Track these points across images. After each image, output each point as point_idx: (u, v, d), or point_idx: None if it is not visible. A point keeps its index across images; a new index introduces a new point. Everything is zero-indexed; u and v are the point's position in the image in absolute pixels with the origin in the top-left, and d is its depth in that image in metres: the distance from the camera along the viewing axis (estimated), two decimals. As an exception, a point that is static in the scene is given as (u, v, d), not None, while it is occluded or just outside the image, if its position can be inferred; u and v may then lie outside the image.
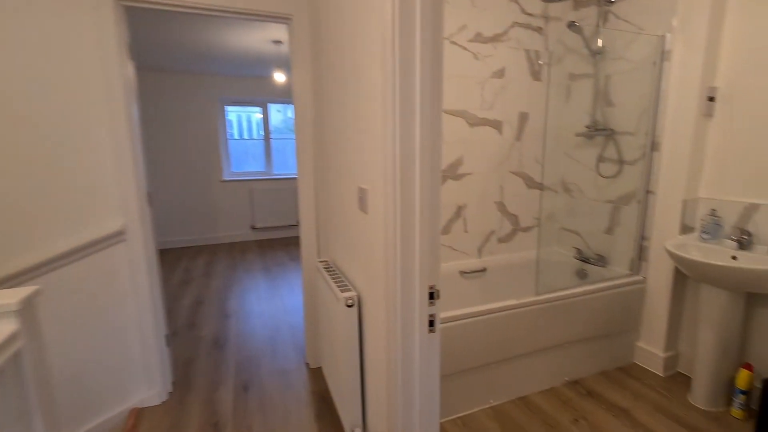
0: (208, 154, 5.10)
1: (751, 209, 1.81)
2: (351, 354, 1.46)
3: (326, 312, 1.71)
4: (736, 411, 1.80)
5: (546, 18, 2.45)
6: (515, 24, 2.37)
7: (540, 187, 2.66)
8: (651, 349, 2.18)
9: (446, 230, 2.43)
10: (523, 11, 2.38)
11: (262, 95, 5.26)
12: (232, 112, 5.37)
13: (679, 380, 2.10)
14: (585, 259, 2.50)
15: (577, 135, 2.51)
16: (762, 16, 1.73)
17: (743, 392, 1.77)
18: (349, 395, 1.51)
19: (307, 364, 2.33)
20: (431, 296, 1.12)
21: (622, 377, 2.14)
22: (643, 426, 1.77)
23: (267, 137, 5.49)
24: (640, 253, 2.19)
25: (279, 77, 3.85)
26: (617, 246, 2.34)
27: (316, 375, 2.23)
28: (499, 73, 2.39)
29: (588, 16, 2.37)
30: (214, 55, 4.01)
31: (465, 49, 2.27)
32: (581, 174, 2.55)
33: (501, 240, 2.61)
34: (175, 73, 4.79)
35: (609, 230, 2.39)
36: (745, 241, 1.78)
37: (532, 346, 1.94)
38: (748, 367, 1.78)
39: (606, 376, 2.15)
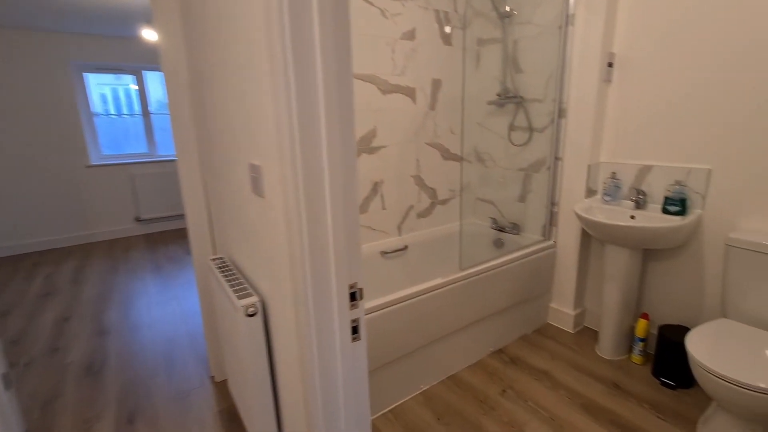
0: (65, 133, 4.10)
1: (645, 170, 1.93)
2: (258, 370, 1.19)
3: (225, 321, 1.40)
4: (636, 357, 1.97)
5: (454, -24, 2.30)
6: (423, -20, 2.18)
7: (456, 158, 2.58)
8: (562, 309, 2.29)
9: (363, 209, 2.22)
10: (431, -34, 2.19)
11: (134, 60, 4.36)
12: (104, 85, 4.38)
13: (586, 334, 2.25)
14: (501, 228, 2.52)
15: (489, 103, 2.46)
16: (653, -19, 1.78)
17: (642, 340, 1.93)
18: (261, 416, 1.24)
19: (212, 378, 1.98)
20: (353, 297, 0.90)
21: (539, 339, 2.22)
22: (563, 385, 1.83)
23: (146, 112, 4.62)
24: (551, 219, 2.25)
25: (149, 35, 3.15)
26: (530, 213, 2.39)
27: (224, 390, 1.90)
28: (410, 35, 2.19)
29: (495, -24, 2.27)
30: (57, 5, 3.12)
31: (371, 4, 2.01)
32: (494, 143, 2.53)
33: (420, 215, 2.50)
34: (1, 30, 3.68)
35: (522, 198, 2.42)
36: (641, 201, 1.90)
37: (459, 323, 1.87)
38: (645, 316, 1.94)
39: (526, 341, 2.20)
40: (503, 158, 2.49)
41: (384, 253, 2.29)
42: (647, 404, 1.70)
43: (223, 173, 1.44)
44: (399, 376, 1.72)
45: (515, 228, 2.45)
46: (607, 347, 2.02)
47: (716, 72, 1.64)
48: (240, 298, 1.14)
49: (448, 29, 2.33)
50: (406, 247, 2.38)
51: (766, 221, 1.58)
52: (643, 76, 1.87)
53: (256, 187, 1.04)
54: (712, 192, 1.72)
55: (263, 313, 1.17)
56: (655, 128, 1.87)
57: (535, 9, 2.14)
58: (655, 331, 1.97)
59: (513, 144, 2.40)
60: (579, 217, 1.89)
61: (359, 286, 0.90)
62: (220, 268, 1.42)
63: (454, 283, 1.80)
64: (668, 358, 1.79)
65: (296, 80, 0.74)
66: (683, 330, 1.81)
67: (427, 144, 2.42)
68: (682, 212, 1.76)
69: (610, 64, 1.96)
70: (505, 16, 2.24)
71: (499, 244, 2.52)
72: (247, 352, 1.16)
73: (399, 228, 2.41)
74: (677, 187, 1.78)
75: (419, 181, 2.44)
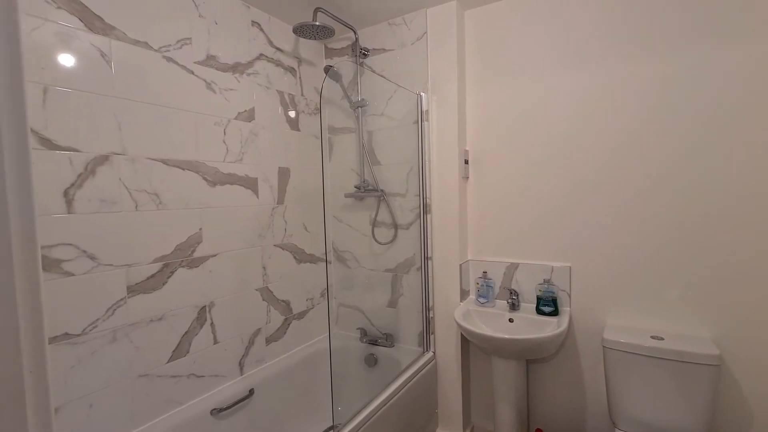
0: None
1: (512, 268, 1.85)
2: None
3: None
4: (539, 486, 1.70)
5: (298, 59, 2.05)
6: (262, 56, 1.84)
7: (313, 259, 2.13)
8: (451, 434, 1.93)
9: (182, 350, 1.49)
10: (271, 43, 1.89)
11: None
12: None
13: (480, 461, 1.91)
14: (373, 341, 2.10)
15: (347, 196, 2.16)
16: (487, 87, 1.86)
17: (542, 463, 1.69)
18: None
19: None
20: None
21: (433, 485, 1.76)
22: None
23: None
24: (428, 326, 1.96)
25: None
26: (403, 320, 2.06)
27: None
28: (248, 115, 1.76)
29: (344, 65, 2.12)
30: None
31: (191, 72, 1.53)
32: (355, 240, 2.20)
33: (271, 339, 1.88)
34: None
35: (393, 303, 2.09)
36: (515, 302, 1.78)
37: None
38: (540, 433, 1.74)
39: (419, 493, 1.72)
40: (368, 257, 2.16)
41: (218, 410, 1.55)
42: None
43: None
44: None
45: (388, 339, 2.07)
46: (507, 478, 1.70)
47: (559, 175, 1.71)
48: None
49: (292, 114, 2.01)
50: (251, 393, 1.69)
51: (629, 316, 1.61)
52: (495, 173, 1.88)
53: None
54: (576, 289, 1.71)
55: None
56: (514, 226, 1.84)
57: (387, 102, 2.03)
58: (551, 449, 1.77)
59: (378, 242, 2.11)
60: (462, 329, 1.64)
61: None
62: None
63: (328, 458, 1.23)
64: (573, 483, 1.57)
65: None
66: (579, 444, 1.65)
67: (277, 246, 1.91)
68: (555, 312, 1.69)
69: (466, 161, 1.92)
70: (357, 106, 2.06)
71: (371, 361, 2.07)
72: None
73: (241, 365, 1.73)
74: (545, 285, 1.73)
75: (268, 295, 1.86)
